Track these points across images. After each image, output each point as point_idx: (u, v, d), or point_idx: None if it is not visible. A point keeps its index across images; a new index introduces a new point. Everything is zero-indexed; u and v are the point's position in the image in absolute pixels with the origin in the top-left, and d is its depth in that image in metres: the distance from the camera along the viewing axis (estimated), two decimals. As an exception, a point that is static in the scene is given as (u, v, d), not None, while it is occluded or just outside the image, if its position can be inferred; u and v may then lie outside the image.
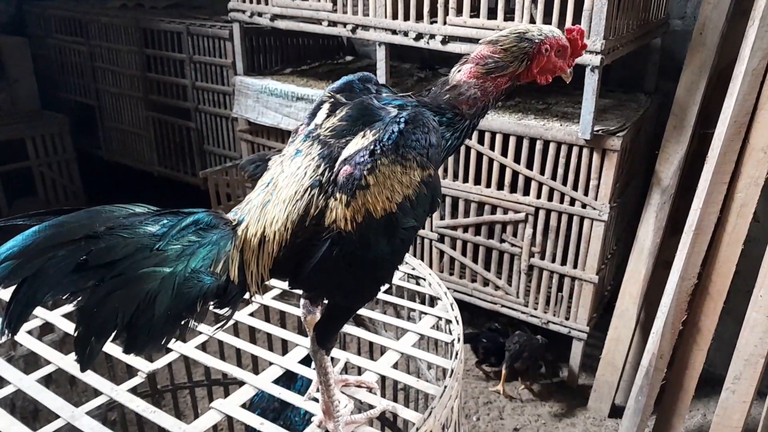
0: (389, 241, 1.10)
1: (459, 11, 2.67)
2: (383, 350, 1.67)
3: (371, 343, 2.16)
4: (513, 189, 2.85)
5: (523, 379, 3.06)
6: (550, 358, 3.18)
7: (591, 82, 2.46)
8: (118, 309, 0.96)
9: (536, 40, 1.21)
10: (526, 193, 2.83)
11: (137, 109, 4.50)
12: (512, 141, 2.77)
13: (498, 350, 3.03)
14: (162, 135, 4.44)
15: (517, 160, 2.79)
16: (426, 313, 1.83)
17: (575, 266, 2.81)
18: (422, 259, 3.18)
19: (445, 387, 1.40)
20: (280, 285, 1.97)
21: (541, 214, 2.81)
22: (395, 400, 2.08)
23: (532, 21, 2.52)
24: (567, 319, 2.92)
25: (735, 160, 2.37)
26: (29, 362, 1.88)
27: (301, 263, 1.10)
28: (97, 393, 1.50)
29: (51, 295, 0.93)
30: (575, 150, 2.64)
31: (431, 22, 2.75)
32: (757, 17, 2.29)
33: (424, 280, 1.97)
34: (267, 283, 1.13)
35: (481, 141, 2.85)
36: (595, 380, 2.95)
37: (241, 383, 1.53)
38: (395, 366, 1.61)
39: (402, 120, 1.10)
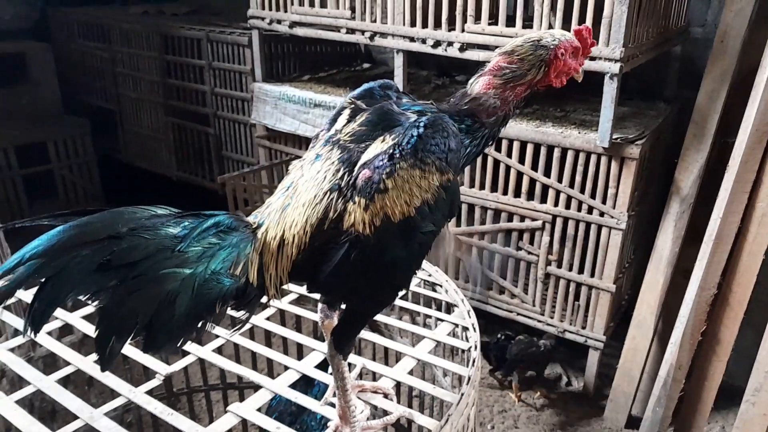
0: (407, 246, 1.10)
1: (477, 19, 2.67)
2: (398, 356, 1.66)
3: (386, 349, 2.16)
4: (530, 196, 2.84)
5: (534, 387, 3.03)
6: (559, 358, 3.14)
7: (610, 89, 2.45)
8: (138, 309, 0.97)
9: (551, 47, 1.22)
10: (544, 200, 2.81)
11: (157, 114, 4.55)
12: (530, 148, 2.76)
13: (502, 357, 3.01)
14: (181, 140, 4.49)
15: (534, 167, 2.78)
16: (442, 320, 1.82)
17: (592, 275, 2.79)
18: (438, 266, 3.17)
19: (462, 394, 1.39)
20: (296, 290, 1.98)
21: (559, 222, 2.79)
22: (410, 406, 2.07)
23: (551, 28, 2.52)
24: (584, 328, 2.90)
25: (756, 169, 2.34)
26: (47, 363, 1.90)
27: (320, 267, 1.10)
28: (114, 394, 1.52)
29: (73, 295, 0.94)
30: (593, 158, 2.63)
31: (449, 30, 2.75)
32: (780, 25, 2.26)
33: (441, 286, 1.97)
34: (285, 286, 1.14)
35: (498, 148, 2.84)
36: (611, 390, 2.92)
37: (257, 387, 1.53)
38: (410, 372, 1.61)
39: (422, 124, 1.11)
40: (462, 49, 2.74)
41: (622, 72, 2.41)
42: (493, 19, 2.67)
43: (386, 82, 1.30)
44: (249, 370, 1.62)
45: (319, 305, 1.39)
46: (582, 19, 2.42)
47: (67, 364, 1.62)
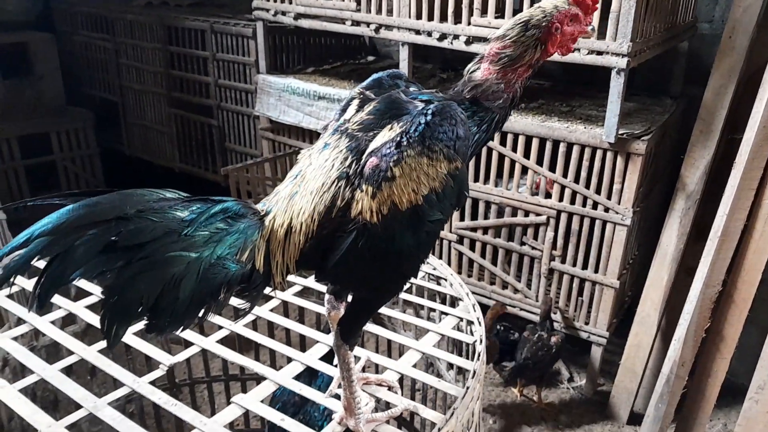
0: (414, 234, 1.09)
1: (484, 12, 2.66)
2: (401, 349, 1.66)
3: (389, 342, 2.15)
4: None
5: (538, 386, 3.00)
6: (562, 354, 3.10)
7: (616, 84, 2.43)
8: (143, 290, 0.97)
9: (543, 24, 1.19)
10: (548, 195, 2.80)
11: (160, 105, 4.54)
12: (535, 143, 2.75)
13: (512, 349, 2.96)
14: (184, 132, 4.47)
15: (539, 162, 2.76)
16: (447, 314, 1.81)
17: (596, 271, 2.78)
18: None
19: (467, 388, 1.39)
20: (300, 281, 1.97)
21: (563, 217, 2.78)
22: (412, 399, 2.07)
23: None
24: (587, 323, 2.89)
25: (763, 166, 2.32)
26: (50, 352, 1.90)
27: (327, 255, 1.10)
28: (117, 384, 1.51)
29: (80, 273, 0.95)
30: (599, 153, 2.62)
31: (455, 23, 2.74)
32: (789, 21, 2.25)
33: (446, 280, 1.96)
34: (291, 275, 1.13)
35: (503, 142, 2.83)
36: (614, 386, 2.92)
37: (259, 379, 1.53)
38: (414, 365, 1.60)
39: (429, 112, 1.10)
40: (468, 42, 2.73)
41: (630, 67, 2.39)
42: (500, 13, 2.65)
43: (395, 72, 1.30)
44: (254, 362, 1.61)
45: (326, 296, 1.38)
46: (589, 13, 2.41)
47: (70, 353, 1.62)
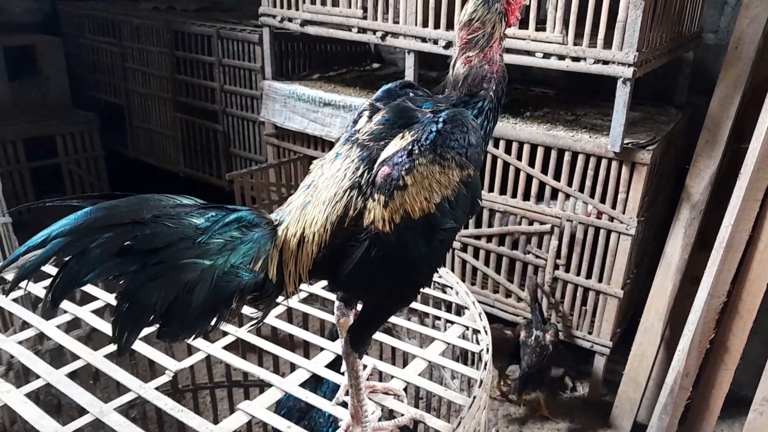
0: (427, 243, 1.10)
1: (490, 20, 2.66)
2: (405, 357, 1.66)
3: (393, 350, 2.15)
4: (539, 200, 2.83)
5: (540, 392, 2.99)
6: (565, 363, 3.10)
7: (622, 94, 2.43)
8: (157, 296, 0.98)
9: None
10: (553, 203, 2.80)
11: (165, 109, 4.55)
12: (540, 151, 2.75)
13: (515, 353, 2.95)
14: (189, 136, 4.49)
15: (544, 170, 2.77)
16: (453, 322, 1.81)
17: (600, 280, 2.78)
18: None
19: (474, 397, 1.39)
20: (305, 288, 1.97)
21: (567, 226, 2.78)
22: (415, 408, 2.06)
23: (564, 31, 2.50)
24: (590, 333, 2.89)
25: (769, 176, 2.33)
26: (54, 357, 1.90)
27: (340, 264, 1.10)
28: (121, 390, 1.51)
29: (94, 275, 0.95)
30: (604, 162, 2.62)
31: (462, 31, 2.74)
32: (796, 33, 2.25)
33: (451, 288, 1.96)
34: (304, 284, 1.14)
35: (508, 151, 2.83)
36: (617, 396, 2.91)
37: (263, 385, 1.52)
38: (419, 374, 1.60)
39: (440, 120, 1.11)
40: (474, 50, 2.73)
41: (635, 77, 2.40)
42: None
43: (406, 81, 1.31)
44: (260, 369, 1.61)
45: (336, 303, 1.38)
46: (596, 23, 2.41)
47: (75, 357, 1.62)
